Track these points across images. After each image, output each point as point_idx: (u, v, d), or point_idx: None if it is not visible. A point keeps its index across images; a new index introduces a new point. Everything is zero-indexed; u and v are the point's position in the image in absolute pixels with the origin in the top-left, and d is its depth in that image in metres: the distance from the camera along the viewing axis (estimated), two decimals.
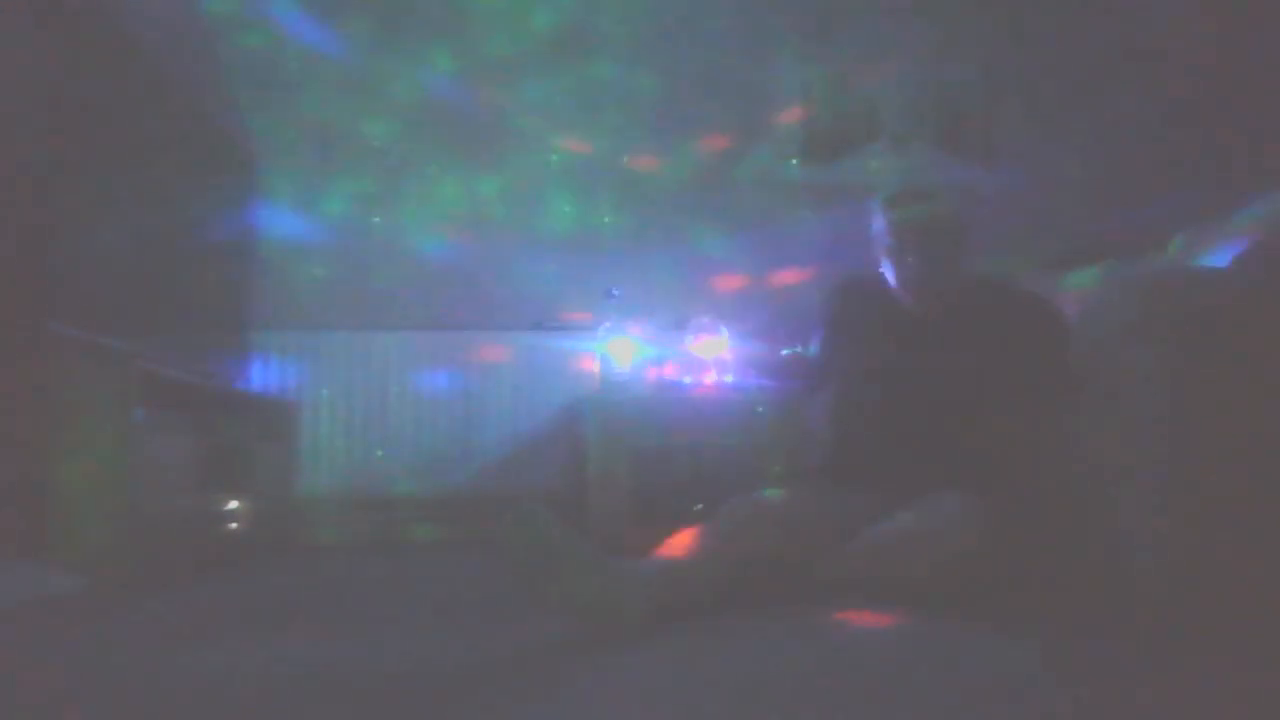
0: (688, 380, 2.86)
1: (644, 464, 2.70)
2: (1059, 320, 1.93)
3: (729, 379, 2.86)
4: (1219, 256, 1.89)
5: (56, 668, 1.40)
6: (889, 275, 2.00)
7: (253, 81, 3.28)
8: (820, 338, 2.17)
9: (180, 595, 2.05)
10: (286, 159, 3.30)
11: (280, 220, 3.30)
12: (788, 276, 3.43)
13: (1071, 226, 3.32)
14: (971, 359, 1.92)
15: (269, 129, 3.28)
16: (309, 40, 3.33)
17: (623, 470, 2.68)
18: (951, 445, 1.87)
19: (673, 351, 2.93)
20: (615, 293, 2.97)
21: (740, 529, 1.78)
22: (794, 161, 3.52)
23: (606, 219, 3.46)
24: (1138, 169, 3.43)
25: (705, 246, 3.45)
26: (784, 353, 2.36)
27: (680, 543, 1.74)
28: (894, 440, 1.95)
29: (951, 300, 1.98)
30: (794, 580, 1.82)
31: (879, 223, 1.98)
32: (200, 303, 2.76)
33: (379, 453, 3.21)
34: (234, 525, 2.57)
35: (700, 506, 2.49)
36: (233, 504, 2.57)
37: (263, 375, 3.18)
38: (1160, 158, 3.42)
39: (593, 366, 3.03)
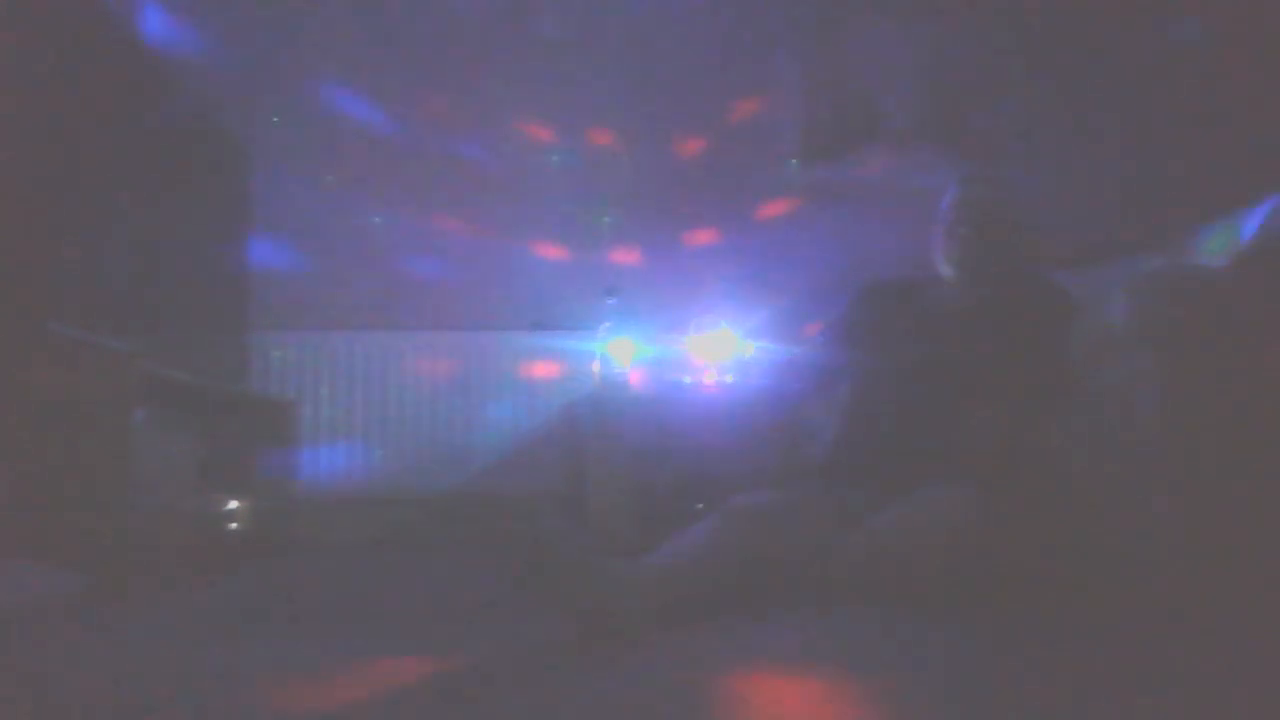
0: (688, 380, 2.85)
1: (644, 464, 2.69)
2: (1070, 316, 1.92)
3: (729, 379, 2.85)
4: (1220, 257, 1.89)
5: (56, 668, 1.40)
6: (940, 256, 2.03)
7: (253, 81, 3.28)
8: (840, 338, 2.15)
9: (180, 595, 2.05)
10: (286, 159, 3.30)
11: (280, 220, 3.30)
12: (787, 276, 3.42)
13: (1073, 226, 3.31)
14: (1000, 351, 1.91)
15: (269, 128, 3.28)
16: (308, 39, 3.34)
17: (623, 470, 2.67)
18: (963, 438, 1.86)
19: (673, 351, 2.92)
20: (615, 293, 2.96)
21: (740, 529, 1.77)
22: (793, 161, 3.51)
23: (606, 219, 3.46)
24: (1140, 169, 3.42)
25: (706, 246, 3.45)
26: (791, 354, 2.35)
27: (679, 544, 1.73)
28: (913, 437, 1.93)
29: (996, 288, 1.98)
30: (791, 580, 1.82)
31: (945, 201, 2.03)
32: (200, 303, 2.76)
33: (379, 452, 3.21)
34: (234, 525, 2.57)
35: (700, 506, 2.48)
36: (233, 504, 2.57)
37: (263, 375, 3.17)
38: (1162, 158, 3.41)
39: (593, 366, 3.02)
